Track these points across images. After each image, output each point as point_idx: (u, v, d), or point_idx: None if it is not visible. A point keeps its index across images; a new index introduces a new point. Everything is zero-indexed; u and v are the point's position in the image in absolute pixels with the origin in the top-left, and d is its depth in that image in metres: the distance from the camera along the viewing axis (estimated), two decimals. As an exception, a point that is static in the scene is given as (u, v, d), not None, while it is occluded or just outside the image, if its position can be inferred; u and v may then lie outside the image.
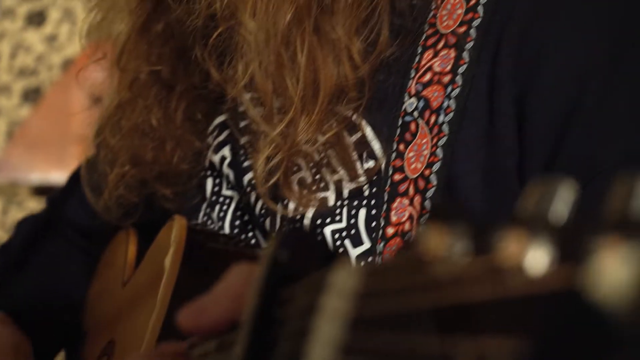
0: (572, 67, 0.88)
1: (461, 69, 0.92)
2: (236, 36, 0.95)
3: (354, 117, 0.96)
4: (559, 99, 0.88)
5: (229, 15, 0.95)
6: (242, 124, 1.05)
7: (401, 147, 0.93)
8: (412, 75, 0.94)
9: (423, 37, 0.95)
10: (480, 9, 0.92)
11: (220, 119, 1.10)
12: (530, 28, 0.89)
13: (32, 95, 3.18)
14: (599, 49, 0.88)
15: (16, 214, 2.91)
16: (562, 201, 0.41)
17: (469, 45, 0.92)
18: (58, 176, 2.75)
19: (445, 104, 0.91)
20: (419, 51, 0.95)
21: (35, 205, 2.94)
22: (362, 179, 0.95)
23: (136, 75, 1.10)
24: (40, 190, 2.93)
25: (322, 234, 0.96)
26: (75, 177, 1.30)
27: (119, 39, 1.12)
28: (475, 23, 0.92)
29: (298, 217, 0.98)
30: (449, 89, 0.92)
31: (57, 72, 3.17)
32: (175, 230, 0.97)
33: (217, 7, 0.95)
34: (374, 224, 0.94)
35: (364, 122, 0.96)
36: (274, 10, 0.92)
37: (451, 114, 0.91)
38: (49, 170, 2.88)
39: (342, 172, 0.96)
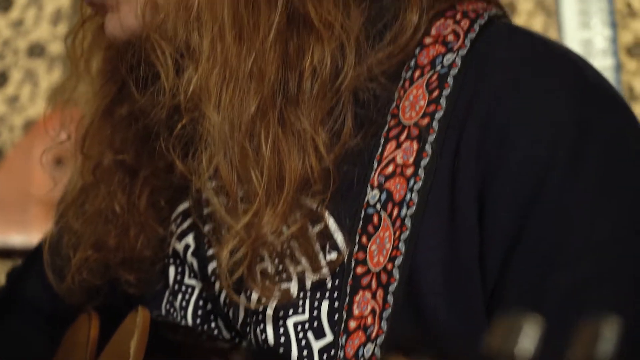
0: (531, 164, 0.89)
1: (424, 162, 0.92)
2: (200, 128, 0.95)
3: (318, 207, 0.96)
4: (518, 195, 0.89)
5: (193, 107, 0.95)
6: (206, 211, 1.04)
7: (364, 239, 0.93)
8: (375, 166, 0.95)
9: (386, 128, 0.95)
10: (442, 101, 0.93)
11: (183, 206, 1.10)
12: (490, 123, 0.91)
13: (-7, 157, 3.16)
14: (558, 146, 0.89)
15: (-25, 276, 2.88)
16: (528, 338, 0.42)
17: (432, 137, 0.92)
18: (19, 239, 2.73)
19: (408, 197, 0.92)
20: (382, 142, 0.95)
21: (-5, 267, 2.92)
22: (325, 270, 0.95)
23: (99, 160, 1.10)
24: (1, 253, 2.91)
25: (284, 326, 0.96)
26: (35, 255, 1.29)
27: (82, 122, 1.11)
28: (438, 115, 0.93)
29: (261, 308, 0.97)
30: (412, 181, 0.92)
31: (19, 134, 3.16)
32: (139, 320, 0.96)
33: (181, 99, 0.95)
34: (336, 316, 0.94)
35: (327, 213, 0.96)
36: (238, 102, 0.93)
37: (413, 207, 0.91)
38: (9, 233, 2.85)
39: (305, 264, 0.95)
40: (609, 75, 3.18)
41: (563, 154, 0.89)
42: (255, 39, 0.93)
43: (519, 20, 3.21)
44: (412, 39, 0.97)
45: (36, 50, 3.33)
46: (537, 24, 3.18)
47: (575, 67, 0.94)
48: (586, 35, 3.19)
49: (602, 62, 3.17)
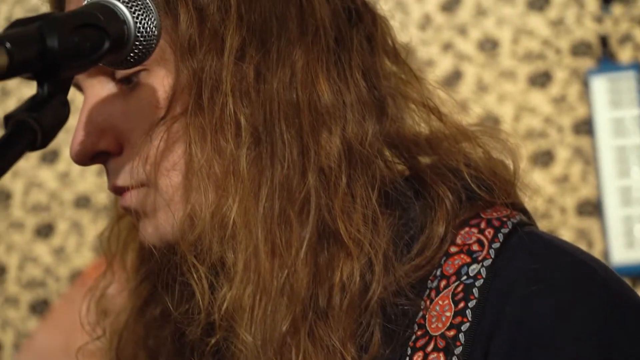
0: None
1: None
2: (232, 344, 0.96)
3: None
4: None
5: (226, 324, 0.95)
6: None
7: None
8: None
9: (413, 338, 0.96)
10: (468, 312, 0.94)
11: None
12: (517, 337, 0.91)
13: (40, 307, 3.20)
14: None
15: None
16: None
17: (458, 350, 0.93)
18: (63, 390, 2.74)
19: None
20: (409, 352, 0.95)
21: (40, 418, 2.93)
22: None
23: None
24: (45, 404, 2.92)
25: None
26: None
27: (117, 320, 1.14)
28: (464, 327, 0.93)
29: None
30: None
31: (65, 284, 3.21)
32: None
33: (215, 318, 0.96)
34: None
35: None
36: (270, 318, 0.93)
37: None
38: (54, 384, 2.88)
39: None
40: (648, 221, 3.18)
41: None
42: (287, 255, 0.94)
43: (558, 168, 3.23)
44: (439, 250, 0.99)
45: (82, 202, 3.41)
46: (575, 172, 3.20)
47: (598, 279, 0.94)
48: (625, 182, 3.19)
49: (641, 209, 3.18)
